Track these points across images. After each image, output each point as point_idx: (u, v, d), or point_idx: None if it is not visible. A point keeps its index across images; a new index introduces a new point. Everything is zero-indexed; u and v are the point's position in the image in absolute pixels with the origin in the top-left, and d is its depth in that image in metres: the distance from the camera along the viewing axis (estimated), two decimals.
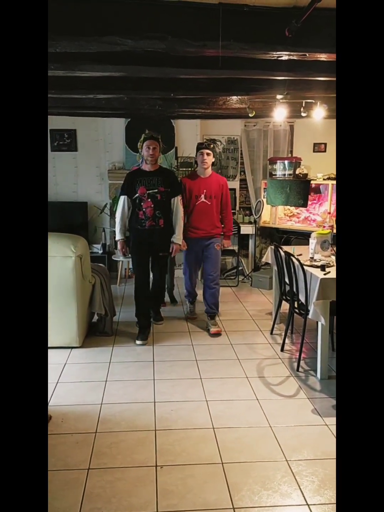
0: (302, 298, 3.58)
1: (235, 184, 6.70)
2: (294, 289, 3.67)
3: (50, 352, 3.46)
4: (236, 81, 4.03)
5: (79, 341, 3.93)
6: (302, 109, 4.83)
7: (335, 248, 3.78)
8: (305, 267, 3.49)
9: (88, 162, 6.46)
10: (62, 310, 3.79)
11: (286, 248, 4.02)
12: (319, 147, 6.78)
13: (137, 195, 4.06)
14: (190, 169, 6.31)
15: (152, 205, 4.04)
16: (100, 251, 6.22)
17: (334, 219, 4.99)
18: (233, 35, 2.57)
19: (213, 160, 4.39)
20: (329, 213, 5.52)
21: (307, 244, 4.04)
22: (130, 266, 5.52)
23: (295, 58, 2.90)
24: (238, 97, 4.77)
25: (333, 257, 3.73)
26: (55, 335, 3.74)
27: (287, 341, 4.02)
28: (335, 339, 3.88)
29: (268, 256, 4.60)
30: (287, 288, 3.87)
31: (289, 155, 6.64)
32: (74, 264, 3.78)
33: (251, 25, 2.60)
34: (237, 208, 6.72)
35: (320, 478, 2.31)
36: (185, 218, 4.31)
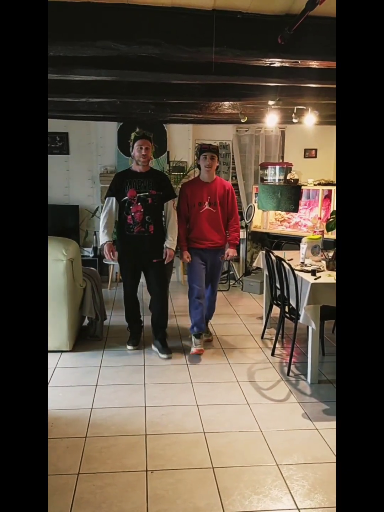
0: (292, 302, 3.60)
1: None
2: (285, 294, 3.69)
3: None
4: (228, 87, 4.07)
5: (70, 345, 3.91)
6: (293, 115, 4.88)
7: (325, 253, 3.81)
8: (296, 272, 3.52)
9: (80, 165, 6.45)
10: (52, 314, 3.75)
11: (277, 252, 4.05)
12: (310, 153, 6.85)
13: (126, 198, 3.72)
14: (182, 173, 6.34)
15: (142, 210, 3.70)
16: (91, 255, 6.21)
17: (325, 224, 5.03)
18: (226, 41, 2.60)
19: (218, 164, 3.97)
20: (320, 218, 5.56)
21: (298, 249, 4.07)
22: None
23: (287, 65, 2.95)
24: (230, 102, 4.81)
25: (324, 262, 3.76)
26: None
27: (277, 345, 4.04)
28: (326, 344, 3.92)
29: (259, 261, 4.61)
30: (278, 292, 3.89)
31: (280, 160, 6.69)
32: (65, 268, 3.77)
33: (245, 32, 2.63)
34: None
35: (311, 482, 2.32)
36: (187, 228, 3.95)
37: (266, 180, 6.14)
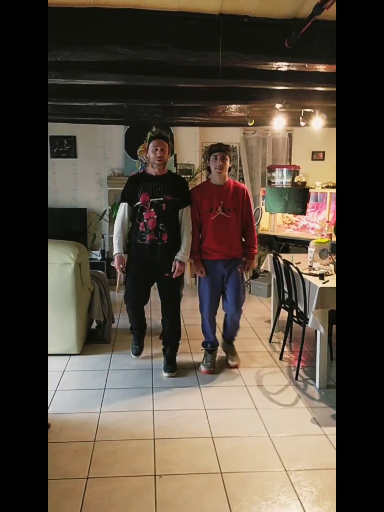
0: (301, 306, 3.58)
1: None
2: (293, 298, 3.68)
3: (49, 359, 3.45)
4: (235, 90, 4.06)
5: (78, 348, 3.93)
6: (301, 118, 4.86)
7: (333, 257, 3.79)
8: (304, 276, 3.50)
9: (87, 168, 6.48)
10: (61, 317, 3.78)
11: (284, 256, 4.03)
12: (317, 156, 6.82)
13: (138, 203, 3.42)
14: (189, 176, 6.33)
15: (155, 216, 3.38)
16: (99, 258, 6.22)
17: (333, 227, 5.01)
18: (233, 45, 2.60)
19: (230, 165, 3.58)
20: (328, 221, 5.54)
21: (306, 252, 4.05)
22: None
23: (294, 68, 2.94)
24: (238, 105, 4.81)
25: (332, 266, 3.74)
26: (54, 342, 3.73)
27: (285, 349, 4.02)
28: (335, 348, 3.89)
29: (267, 264, 4.60)
30: (286, 296, 3.87)
31: (288, 163, 6.67)
32: (74, 271, 3.78)
33: (252, 36, 2.63)
34: None
35: (319, 489, 2.30)
36: (199, 237, 3.58)
37: (274, 182, 6.13)
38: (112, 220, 5.99)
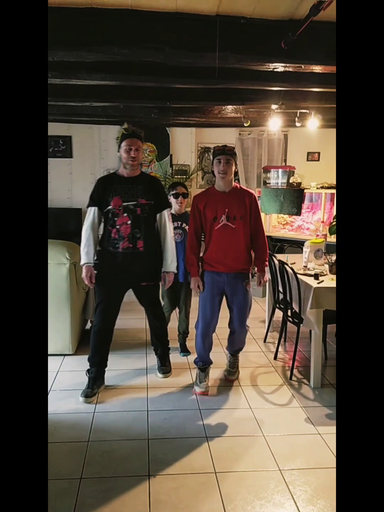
0: (295, 306, 3.60)
1: None
2: (288, 298, 3.69)
3: None
4: (231, 91, 4.08)
5: (72, 348, 3.92)
6: (296, 119, 4.88)
7: (328, 257, 3.81)
8: (298, 276, 3.51)
9: (83, 168, 6.48)
10: (55, 317, 3.77)
11: (279, 256, 4.04)
12: (312, 156, 6.86)
13: (109, 207, 3.09)
14: (185, 176, 6.34)
15: (129, 222, 3.08)
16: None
17: (328, 227, 5.03)
18: (230, 46, 2.61)
19: (236, 169, 3.32)
20: (323, 222, 5.56)
21: (300, 252, 4.06)
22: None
23: (290, 69, 2.96)
24: (233, 106, 4.82)
25: (327, 266, 3.75)
26: (48, 342, 3.72)
27: (280, 349, 4.03)
28: (329, 348, 3.91)
29: None
30: (281, 296, 3.88)
31: (283, 164, 6.70)
32: (68, 271, 3.77)
33: (248, 37, 2.64)
34: None
35: (313, 488, 2.31)
36: (197, 248, 3.24)
37: (269, 183, 6.15)
38: None
